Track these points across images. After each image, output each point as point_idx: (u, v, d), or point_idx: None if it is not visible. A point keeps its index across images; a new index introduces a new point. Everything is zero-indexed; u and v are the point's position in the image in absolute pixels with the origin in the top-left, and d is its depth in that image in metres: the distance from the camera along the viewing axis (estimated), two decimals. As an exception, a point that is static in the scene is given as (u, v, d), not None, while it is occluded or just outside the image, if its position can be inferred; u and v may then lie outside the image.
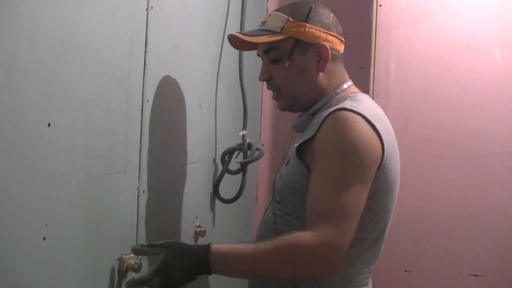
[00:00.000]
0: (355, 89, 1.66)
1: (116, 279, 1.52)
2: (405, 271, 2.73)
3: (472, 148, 2.67)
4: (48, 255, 1.23)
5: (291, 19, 1.59)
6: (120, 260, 1.52)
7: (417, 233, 2.71)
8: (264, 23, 1.64)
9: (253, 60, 2.54)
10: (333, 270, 1.41)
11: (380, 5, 2.74)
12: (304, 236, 1.39)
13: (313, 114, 1.62)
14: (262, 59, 1.67)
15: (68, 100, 1.27)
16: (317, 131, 1.50)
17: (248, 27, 2.23)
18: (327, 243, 1.37)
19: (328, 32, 1.60)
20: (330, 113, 1.49)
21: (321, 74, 1.61)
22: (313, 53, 1.59)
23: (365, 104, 1.54)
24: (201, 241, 2.06)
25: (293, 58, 1.60)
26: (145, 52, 1.61)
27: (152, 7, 1.62)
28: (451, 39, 2.69)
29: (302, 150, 1.53)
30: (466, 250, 2.67)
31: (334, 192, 1.42)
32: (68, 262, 1.31)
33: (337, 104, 1.54)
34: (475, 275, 2.66)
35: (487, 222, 2.66)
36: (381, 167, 1.48)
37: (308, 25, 1.58)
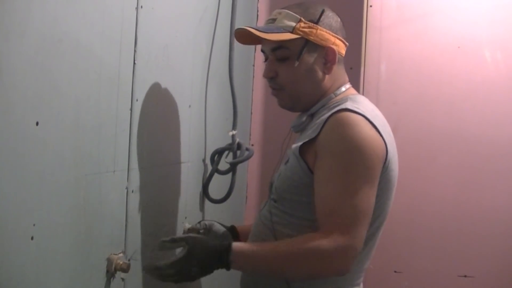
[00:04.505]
0: (353, 91, 1.69)
1: (105, 279, 1.51)
2: (395, 271, 2.73)
3: (463, 149, 2.67)
4: (36, 255, 1.22)
5: (303, 19, 1.59)
6: (109, 260, 1.52)
7: (407, 234, 2.71)
8: (274, 20, 1.63)
9: (243, 60, 2.54)
10: (346, 272, 1.47)
11: (371, 6, 2.74)
12: (321, 241, 1.44)
13: (312, 115, 1.64)
14: (267, 56, 1.67)
15: (57, 99, 1.26)
16: (320, 132, 1.52)
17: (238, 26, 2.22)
18: (342, 248, 1.43)
19: (335, 35, 1.63)
20: (332, 114, 1.52)
21: (326, 76, 1.63)
22: (320, 55, 1.62)
23: (365, 105, 1.57)
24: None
25: (302, 58, 1.61)
26: (135, 51, 1.60)
27: (142, 6, 1.61)
28: (441, 40, 2.69)
29: (304, 150, 1.54)
30: (456, 251, 2.68)
31: (344, 193, 1.46)
32: (56, 261, 1.30)
33: (338, 105, 1.57)
34: (465, 276, 2.67)
35: (477, 223, 2.66)
36: (384, 167, 1.51)
37: (319, 27, 1.60)
